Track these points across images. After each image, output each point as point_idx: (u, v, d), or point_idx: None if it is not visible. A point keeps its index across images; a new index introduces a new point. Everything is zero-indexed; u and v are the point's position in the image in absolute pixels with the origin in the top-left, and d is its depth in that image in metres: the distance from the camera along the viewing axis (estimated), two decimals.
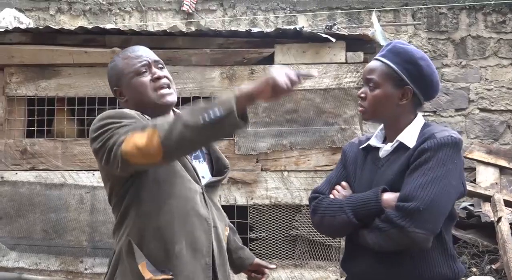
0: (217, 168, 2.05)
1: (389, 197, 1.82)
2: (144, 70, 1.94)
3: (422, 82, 1.92)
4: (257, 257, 3.63)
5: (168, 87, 1.96)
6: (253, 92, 1.62)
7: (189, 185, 1.89)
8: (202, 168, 2.00)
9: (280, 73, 1.61)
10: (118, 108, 2.00)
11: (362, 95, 1.94)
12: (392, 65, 1.91)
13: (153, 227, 1.85)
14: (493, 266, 4.59)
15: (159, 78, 1.94)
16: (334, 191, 1.98)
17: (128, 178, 1.85)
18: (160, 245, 1.85)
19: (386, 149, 1.94)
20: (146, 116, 1.91)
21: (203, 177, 1.98)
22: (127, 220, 1.89)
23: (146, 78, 1.94)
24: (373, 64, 1.95)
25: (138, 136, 1.68)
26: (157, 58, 1.99)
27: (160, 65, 1.98)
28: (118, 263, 1.89)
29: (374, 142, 2.00)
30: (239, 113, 1.61)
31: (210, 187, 1.98)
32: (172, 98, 1.96)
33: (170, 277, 1.83)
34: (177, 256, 1.85)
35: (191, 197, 1.88)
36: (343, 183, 1.99)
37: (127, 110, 1.87)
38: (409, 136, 1.90)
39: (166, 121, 1.68)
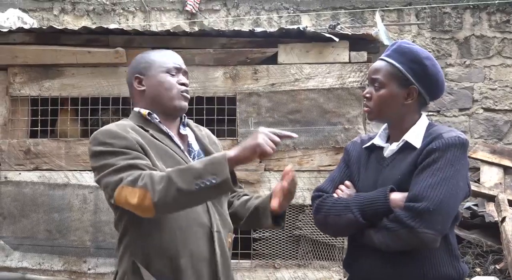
0: None
1: (397, 197, 1.81)
2: (174, 72, 2.01)
3: (427, 81, 1.92)
4: (260, 258, 3.63)
5: (187, 93, 2.04)
6: (242, 158, 1.73)
7: None
8: None
9: (265, 138, 1.72)
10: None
11: (367, 95, 1.94)
12: (397, 64, 1.90)
13: (156, 246, 1.85)
14: (497, 266, 4.57)
15: (184, 84, 2.02)
16: (338, 190, 1.97)
17: None
18: (165, 262, 1.85)
19: (391, 148, 1.94)
20: (155, 115, 1.97)
21: None
22: (127, 240, 1.91)
23: (174, 79, 2.00)
24: (378, 64, 1.95)
25: (129, 192, 1.73)
26: (187, 70, 2.08)
27: (187, 76, 2.08)
28: None
29: (378, 141, 2.00)
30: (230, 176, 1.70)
31: None
32: (186, 105, 2.03)
33: None
34: (184, 270, 1.85)
35: (191, 208, 1.87)
36: (347, 182, 1.99)
37: (120, 131, 1.86)
38: (415, 136, 1.90)
39: (157, 181, 1.72)
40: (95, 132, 1.92)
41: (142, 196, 1.71)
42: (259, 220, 2.05)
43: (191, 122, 2.15)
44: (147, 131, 1.94)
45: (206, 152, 2.04)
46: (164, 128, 1.98)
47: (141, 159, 1.81)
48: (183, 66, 2.06)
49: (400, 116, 1.93)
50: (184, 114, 2.09)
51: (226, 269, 1.95)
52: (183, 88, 2.01)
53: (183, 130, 2.05)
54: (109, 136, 1.85)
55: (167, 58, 2.04)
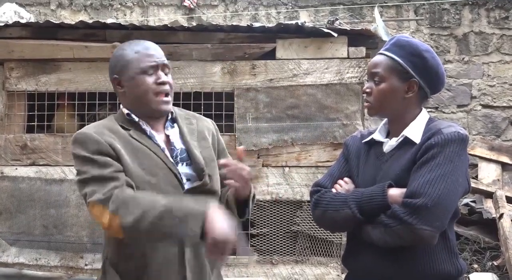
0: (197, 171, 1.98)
1: (395, 192, 1.80)
2: (152, 71, 1.93)
3: (427, 74, 1.90)
4: (258, 253, 3.62)
5: (167, 95, 1.96)
6: (214, 230, 1.67)
7: None
8: (187, 171, 1.96)
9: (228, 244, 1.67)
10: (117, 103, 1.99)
11: (368, 90, 1.93)
12: (396, 58, 1.89)
13: (126, 247, 1.87)
14: (495, 263, 4.58)
15: (163, 83, 1.93)
16: (337, 185, 1.96)
17: None
18: (133, 264, 1.87)
19: (391, 144, 1.93)
20: (133, 116, 1.94)
21: (188, 180, 1.94)
22: (105, 241, 1.95)
23: (151, 79, 1.93)
24: (377, 58, 1.94)
25: (100, 211, 1.75)
26: (166, 61, 1.99)
27: (167, 70, 1.98)
28: None
29: (377, 136, 1.99)
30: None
31: (194, 193, 1.91)
32: (168, 107, 1.97)
33: None
34: (149, 273, 1.86)
35: None
36: (346, 178, 1.97)
37: (94, 134, 1.87)
38: (415, 131, 1.89)
39: (129, 209, 1.72)
40: (75, 132, 1.94)
41: (111, 219, 1.72)
42: (233, 213, 2.00)
43: (183, 114, 2.09)
44: (128, 130, 1.93)
45: (188, 151, 1.98)
46: (145, 127, 1.96)
47: (110, 167, 1.81)
48: (161, 60, 1.96)
49: (400, 110, 1.92)
50: (172, 111, 2.03)
51: (199, 273, 1.91)
52: (161, 88, 1.93)
53: (168, 130, 2.01)
54: (84, 139, 1.88)
55: (142, 56, 1.94)
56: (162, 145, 1.96)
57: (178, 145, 1.99)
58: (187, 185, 1.92)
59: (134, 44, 2.00)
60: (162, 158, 1.91)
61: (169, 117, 2.04)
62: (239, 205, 1.99)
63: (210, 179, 1.96)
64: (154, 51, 1.97)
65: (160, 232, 1.72)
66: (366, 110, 1.99)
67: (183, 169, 1.95)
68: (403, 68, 1.89)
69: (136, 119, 1.96)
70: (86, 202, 1.81)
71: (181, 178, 1.92)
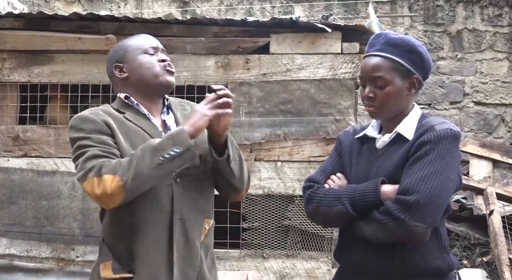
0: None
1: (388, 189, 1.81)
2: (152, 51, 2.01)
3: (424, 68, 1.92)
4: (249, 247, 3.63)
5: (172, 69, 2.03)
6: (198, 128, 1.83)
7: None
8: None
9: (207, 105, 1.86)
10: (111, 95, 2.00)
11: (371, 95, 1.89)
12: (396, 58, 1.87)
13: (119, 227, 1.91)
14: (484, 259, 4.61)
15: (165, 60, 2.01)
16: (330, 181, 1.96)
17: None
18: (124, 245, 1.90)
19: (383, 140, 1.93)
20: (132, 99, 1.98)
21: None
22: (104, 219, 1.98)
23: (153, 57, 2.00)
24: (375, 61, 1.89)
25: (96, 182, 1.77)
26: (163, 47, 2.07)
27: (165, 54, 2.06)
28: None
29: (370, 132, 1.99)
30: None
31: (186, 176, 1.93)
32: (173, 79, 2.03)
33: (129, 275, 1.87)
34: (137, 257, 1.88)
35: (153, 192, 1.87)
36: (338, 173, 1.98)
37: (89, 114, 1.91)
38: (407, 127, 1.89)
39: (122, 163, 1.77)
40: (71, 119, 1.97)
41: (110, 181, 1.74)
42: (213, 163, 1.96)
43: (177, 102, 2.13)
44: (123, 113, 1.96)
45: None
46: (142, 109, 1.99)
47: (106, 145, 1.84)
48: (160, 45, 2.06)
49: (402, 108, 1.92)
50: (167, 97, 2.08)
51: (189, 257, 1.92)
52: (165, 63, 2.00)
53: (164, 116, 2.04)
54: (79, 120, 1.91)
55: (142, 40, 2.04)
56: (160, 128, 1.99)
57: (174, 128, 2.02)
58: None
59: (132, 36, 2.10)
60: (156, 137, 1.92)
61: (165, 104, 2.07)
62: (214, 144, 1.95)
63: (203, 162, 1.96)
64: (152, 39, 2.07)
65: (161, 168, 1.77)
66: (369, 114, 1.95)
67: None
68: (404, 67, 1.88)
69: (135, 102, 1.99)
70: (80, 180, 1.83)
71: None
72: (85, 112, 1.95)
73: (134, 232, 1.88)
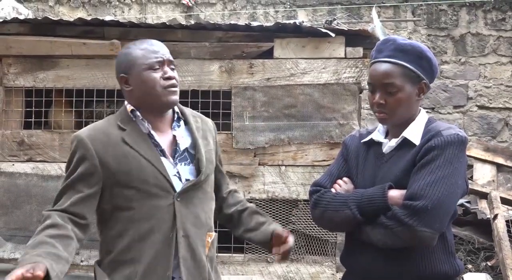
0: (198, 169, 2.02)
1: (395, 194, 1.81)
2: (157, 66, 1.96)
3: (432, 73, 1.92)
4: (253, 252, 3.63)
5: (174, 87, 2.00)
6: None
7: (153, 202, 1.91)
8: (187, 171, 2.00)
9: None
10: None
11: (382, 101, 1.88)
12: (407, 64, 1.87)
13: (116, 250, 1.93)
14: (489, 263, 4.60)
15: (169, 78, 1.97)
16: (336, 185, 1.95)
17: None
18: (123, 267, 1.91)
19: (390, 145, 1.92)
20: (138, 113, 1.97)
21: (187, 180, 1.97)
22: (100, 241, 2.02)
23: (157, 74, 1.96)
24: (385, 67, 1.88)
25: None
26: (171, 58, 2.02)
27: (172, 66, 2.02)
28: None
29: (376, 136, 1.98)
30: None
31: (187, 192, 1.96)
32: (176, 98, 2.00)
33: None
34: (136, 277, 1.89)
35: (152, 215, 1.90)
36: (345, 178, 1.98)
37: (86, 140, 1.93)
38: (414, 132, 1.89)
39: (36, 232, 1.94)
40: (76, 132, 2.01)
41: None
42: (257, 241, 2.17)
43: (189, 113, 2.12)
44: (124, 130, 1.95)
45: (195, 145, 2.03)
46: (146, 126, 1.97)
47: (79, 183, 1.97)
48: (167, 56, 1.99)
49: (412, 113, 1.91)
50: (178, 111, 2.07)
51: (198, 272, 1.95)
52: (168, 82, 1.96)
53: (175, 130, 2.03)
54: (75, 142, 1.95)
55: (148, 52, 1.97)
56: (163, 145, 1.98)
57: (183, 145, 2.02)
58: (180, 187, 1.95)
59: (139, 42, 2.03)
60: (153, 162, 1.92)
61: (176, 117, 2.06)
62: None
63: (205, 179, 2.00)
64: (159, 48, 2.00)
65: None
66: (378, 120, 1.94)
67: (181, 169, 1.98)
68: (414, 73, 1.87)
69: (140, 117, 1.97)
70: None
71: (175, 179, 1.95)
72: (85, 133, 1.95)
73: (133, 254, 1.90)
